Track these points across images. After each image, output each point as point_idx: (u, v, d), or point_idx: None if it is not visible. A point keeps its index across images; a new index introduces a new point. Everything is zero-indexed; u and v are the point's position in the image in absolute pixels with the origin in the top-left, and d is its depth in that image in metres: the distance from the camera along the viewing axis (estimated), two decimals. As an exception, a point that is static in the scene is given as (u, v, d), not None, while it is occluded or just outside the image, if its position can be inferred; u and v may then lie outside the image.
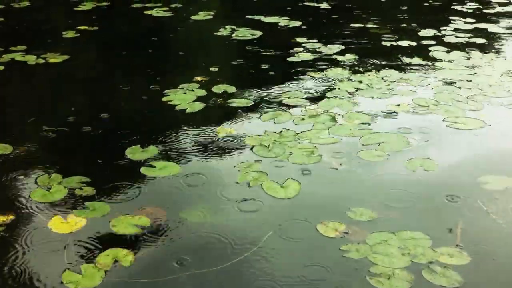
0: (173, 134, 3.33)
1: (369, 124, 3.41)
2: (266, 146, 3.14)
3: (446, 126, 3.39)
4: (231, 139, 3.25)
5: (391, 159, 3.01)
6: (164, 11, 6.61)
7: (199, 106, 3.74)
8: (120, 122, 3.62)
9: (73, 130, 3.48)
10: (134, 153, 3.08)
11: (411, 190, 2.71)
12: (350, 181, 2.82)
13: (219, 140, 3.25)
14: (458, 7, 6.43)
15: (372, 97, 3.83)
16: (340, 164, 2.95)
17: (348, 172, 2.89)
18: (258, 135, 3.28)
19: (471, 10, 6.31)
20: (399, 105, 3.68)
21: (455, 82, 4.08)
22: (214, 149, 3.15)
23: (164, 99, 3.85)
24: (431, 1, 6.92)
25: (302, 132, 3.31)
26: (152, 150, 3.12)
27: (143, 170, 2.91)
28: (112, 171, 2.98)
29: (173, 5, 6.86)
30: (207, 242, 2.38)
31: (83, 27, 5.91)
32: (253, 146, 3.15)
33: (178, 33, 5.79)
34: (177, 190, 2.77)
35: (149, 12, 6.54)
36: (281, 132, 3.31)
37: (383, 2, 7.05)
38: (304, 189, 2.72)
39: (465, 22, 5.74)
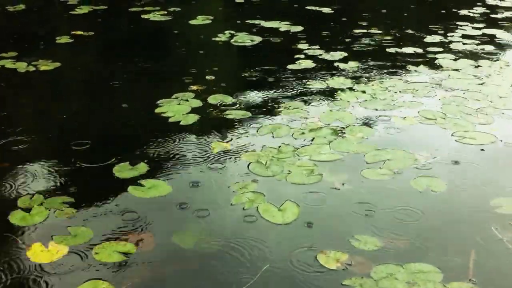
0: (165, 150, 3.13)
1: (373, 138, 3.23)
2: (263, 163, 2.94)
3: (455, 141, 3.19)
4: (227, 155, 3.06)
5: (397, 178, 2.81)
6: (161, 15, 6.43)
7: (193, 118, 3.55)
8: (109, 136, 3.43)
9: (57, 144, 3.30)
10: (122, 171, 2.89)
11: (419, 214, 2.51)
12: (353, 204, 2.61)
13: (214, 156, 3.06)
14: (465, 12, 6.23)
15: (376, 109, 3.64)
16: (343, 184, 2.75)
17: (351, 193, 2.69)
18: (255, 151, 3.09)
19: (478, 15, 6.11)
20: (405, 117, 3.48)
21: (463, 93, 3.88)
22: (208, 166, 2.95)
23: (157, 110, 3.66)
24: (437, 6, 6.73)
25: (302, 147, 3.12)
26: (142, 167, 2.92)
27: (131, 190, 2.71)
28: (98, 190, 2.79)
29: (172, 9, 6.69)
30: (197, 272, 2.19)
31: (78, 32, 5.73)
32: (250, 163, 2.95)
33: (174, 38, 5.59)
34: (166, 213, 2.57)
35: (146, 16, 6.36)
36: (279, 147, 3.12)
37: (387, 7, 6.86)
38: (303, 212, 2.52)
39: (473, 28, 5.55)
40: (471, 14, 6.13)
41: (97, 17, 6.64)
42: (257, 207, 2.56)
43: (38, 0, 7.84)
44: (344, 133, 3.28)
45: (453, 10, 6.42)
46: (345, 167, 2.92)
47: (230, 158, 3.03)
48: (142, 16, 6.35)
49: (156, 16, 6.38)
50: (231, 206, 2.59)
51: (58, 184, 2.81)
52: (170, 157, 3.06)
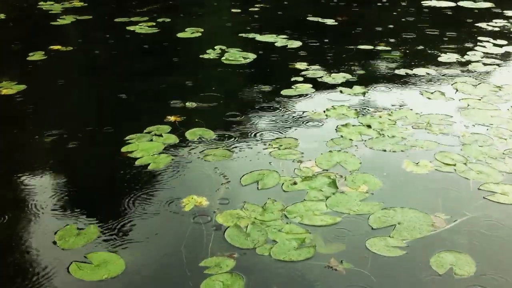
0: (124, 207, 2.54)
1: (380, 192, 2.64)
2: (243, 228, 2.37)
3: (483, 197, 2.60)
4: (200, 216, 2.48)
5: (410, 252, 2.22)
6: (149, 26, 5.87)
7: (165, 160, 2.97)
8: (56, 187, 2.79)
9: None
10: (66, 237, 2.31)
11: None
12: (353, 291, 2.04)
13: (184, 216, 2.48)
14: (483, 25, 5.63)
15: (384, 150, 3.05)
16: (341, 261, 2.17)
17: (351, 276, 2.10)
18: (234, 210, 2.52)
19: (498, 29, 5.51)
20: (417, 163, 2.89)
21: (487, 129, 3.29)
22: (176, 233, 2.36)
23: (123, 149, 3.10)
24: (452, 18, 6.13)
25: (292, 204, 2.54)
26: (92, 232, 2.36)
27: (72, 269, 2.14)
28: (31, 267, 2.20)
29: (161, 19, 6.13)
30: None
31: (55, 47, 5.18)
32: (227, 228, 2.38)
33: (158, 55, 5.00)
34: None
35: (132, 28, 5.80)
36: (265, 204, 2.54)
37: (396, 18, 6.26)
38: (288, 307, 1.96)
39: (494, 45, 4.95)
40: (490, 28, 5.53)
41: (79, 29, 6.10)
42: (232, 298, 1.99)
43: (20, 9, 7.35)
44: (345, 184, 2.70)
45: (470, 22, 5.82)
46: (344, 235, 2.33)
47: (204, 219, 2.45)
48: (128, 28, 5.81)
49: (143, 28, 5.82)
50: (199, 294, 2.03)
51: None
52: (128, 217, 2.47)
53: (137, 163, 2.94)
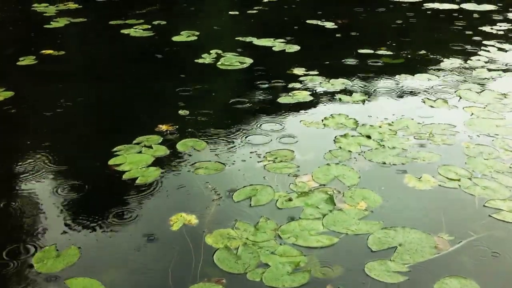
0: (107, 226, 2.40)
1: (380, 210, 2.48)
2: (233, 250, 2.23)
3: (489, 216, 2.45)
4: (188, 235, 2.33)
5: (412, 277, 2.06)
6: (144, 29, 5.73)
7: (154, 174, 2.83)
8: (35, 202, 2.63)
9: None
10: (44, 259, 2.17)
11: None
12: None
13: (171, 237, 2.33)
14: (487, 29, 5.47)
15: (384, 163, 2.90)
16: (338, 288, 2.04)
17: (348, 304, 1.97)
18: (225, 229, 2.37)
19: (502, 32, 5.36)
20: (420, 178, 2.74)
21: (492, 140, 3.14)
22: (162, 255, 2.22)
23: (111, 161, 2.95)
24: (455, 22, 5.97)
25: (287, 223, 2.40)
26: (72, 254, 2.21)
27: (49, 297, 2.01)
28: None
29: (156, 22, 5.99)
30: None
31: (47, 51, 5.05)
32: (216, 250, 2.24)
33: (151, 60, 4.85)
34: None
35: (126, 31, 5.66)
36: (257, 223, 2.40)
37: (398, 20, 6.10)
38: None
39: (499, 49, 4.79)
40: (494, 32, 5.38)
41: (73, 31, 5.96)
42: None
43: (14, 11, 7.21)
44: (343, 201, 2.56)
45: (473, 26, 5.66)
46: (342, 257, 2.18)
47: (193, 240, 2.30)
48: (122, 31, 5.66)
49: (137, 31, 5.68)
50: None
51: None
52: (112, 237, 2.33)
53: (124, 177, 2.79)
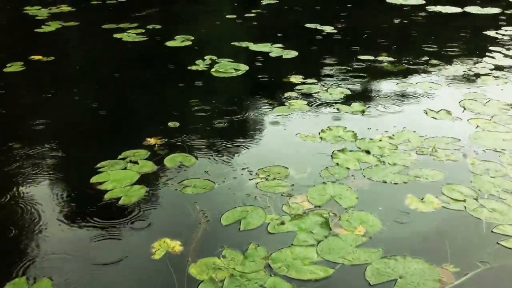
0: (83, 255, 2.21)
1: (379, 235, 2.30)
2: (219, 282, 2.05)
3: (497, 243, 2.27)
4: (172, 265, 2.15)
5: (413, 315, 1.90)
6: (137, 34, 5.56)
7: (139, 193, 2.64)
8: (6, 228, 2.43)
9: None
10: (14, 294, 2.01)
11: None
12: None
13: (154, 266, 2.15)
14: (491, 33, 5.28)
15: (385, 181, 2.71)
16: (331, 328, 1.86)
17: None
18: (211, 257, 2.19)
19: (508, 37, 5.16)
20: (422, 198, 2.56)
21: (499, 155, 2.96)
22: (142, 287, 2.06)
23: (93, 179, 2.77)
24: (458, 27, 5.77)
25: (278, 250, 2.22)
26: (44, 286, 2.05)
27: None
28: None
29: (150, 26, 5.81)
30: None
31: (36, 57, 4.88)
32: (201, 282, 2.06)
33: (142, 67, 4.67)
34: None
35: (119, 36, 5.48)
36: (246, 251, 2.22)
37: (400, 25, 5.92)
38: None
39: (505, 56, 4.60)
40: (499, 36, 5.19)
41: (64, 35, 5.79)
42: None
43: (5, 14, 7.04)
44: (339, 225, 2.38)
45: (477, 30, 5.47)
46: (337, 292, 2.02)
47: (176, 270, 2.12)
48: (115, 36, 5.49)
49: (130, 35, 5.51)
50: None
51: None
52: (88, 267, 2.14)
53: (106, 197, 2.61)
